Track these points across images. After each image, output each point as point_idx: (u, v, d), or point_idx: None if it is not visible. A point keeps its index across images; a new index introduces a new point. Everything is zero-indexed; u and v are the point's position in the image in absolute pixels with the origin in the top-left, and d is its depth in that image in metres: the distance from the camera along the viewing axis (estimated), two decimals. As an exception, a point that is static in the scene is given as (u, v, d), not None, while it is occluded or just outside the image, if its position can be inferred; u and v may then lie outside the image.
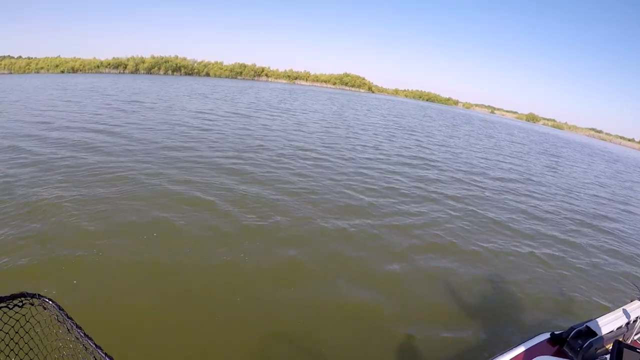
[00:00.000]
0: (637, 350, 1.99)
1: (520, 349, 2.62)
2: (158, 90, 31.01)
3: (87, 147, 11.74)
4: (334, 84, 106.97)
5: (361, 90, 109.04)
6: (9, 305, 1.53)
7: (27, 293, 1.59)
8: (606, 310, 3.10)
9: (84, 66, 64.02)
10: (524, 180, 16.34)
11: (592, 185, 19.13)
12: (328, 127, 21.84)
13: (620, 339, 2.74)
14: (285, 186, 9.83)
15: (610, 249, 9.19)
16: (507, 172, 17.79)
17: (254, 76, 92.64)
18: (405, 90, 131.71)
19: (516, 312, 5.57)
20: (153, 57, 72.42)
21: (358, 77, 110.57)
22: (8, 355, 1.66)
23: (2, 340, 1.60)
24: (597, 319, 2.82)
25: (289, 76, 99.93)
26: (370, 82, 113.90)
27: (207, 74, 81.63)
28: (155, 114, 19.49)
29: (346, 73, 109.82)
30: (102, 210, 6.88)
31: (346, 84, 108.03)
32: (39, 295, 1.62)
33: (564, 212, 12.00)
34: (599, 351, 2.59)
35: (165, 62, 73.14)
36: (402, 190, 11.22)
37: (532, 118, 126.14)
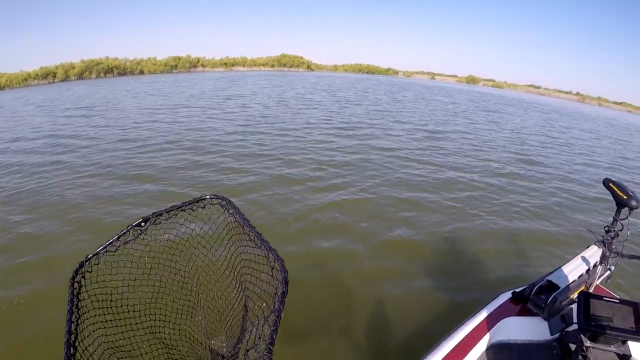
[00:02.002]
0: (604, 298, 2.02)
1: (484, 314, 2.58)
2: (102, 95, 29.67)
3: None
4: (272, 66, 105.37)
5: (300, 69, 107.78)
6: (193, 209, 1.91)
7: (204, 195, 1.94)
8: (564, 260, 3.04)
9: (10, 81, 60.35)
10: (463, 132, 17.50)
11: (529, 135, 20.53)
12: (270, 109, 22.10)
13: (583, 287, 2.82)
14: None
15: (557, 196, 9.64)
16: (440, 125, 19.10)
17: (190, 68, 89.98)
18: (344, 65, 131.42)
19: (473, 273, 5.56)
20: (83, 61, 69.01)
21: (296, 57, 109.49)
22: (199, 242, 2.07)
23: (194, 230, 1.98)
24: (557, 271, 2.81)
25: (225, 64, 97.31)
26: (309, 60, 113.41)
27: (142, 72, 78.14)
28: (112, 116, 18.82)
29: (283, 54, 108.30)
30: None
31: (284, 65, 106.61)
32: (216, 195, 1.94)
33: (502, 162, 12.94)
34: (563, 303, 2.62)
35: (97, 64, 70.13)
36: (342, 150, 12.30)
37: (472, 80, 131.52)
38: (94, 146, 12.22)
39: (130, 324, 1.75)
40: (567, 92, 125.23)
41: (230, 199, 1.95)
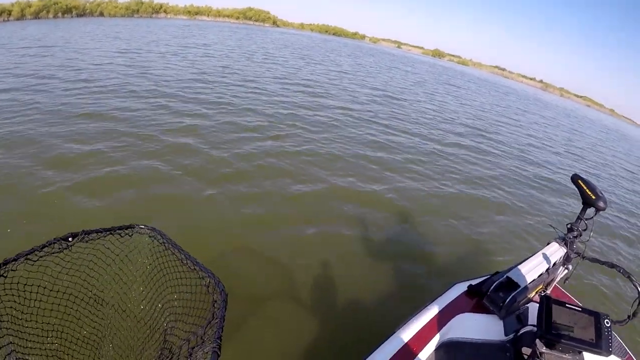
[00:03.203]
0: (566, 305, 2.01)
1: (437, 307, 2.54)
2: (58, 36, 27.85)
3: None
4: (237, 18, 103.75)
5: (266, 24, 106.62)
6: (122, 234, 1.93)
7: (135, 224, 1.96)
8: (522, 252, 3.01)
9: (-38, 19, 55.79)
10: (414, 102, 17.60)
11: (483, 112, 21.15)
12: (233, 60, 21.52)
13: (541, 287, 2.84)
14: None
15: (522, 184, 9.67)
16: (397, 92, 18.97)
17: (152, 13, 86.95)
18: (311, 25, 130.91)
19: (426, 261, 5.37)
20: (41, 0, 65.36)
21: (262, 11, 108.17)
22: (123, 274, 2.07)
23: (114, 262, 2.00)
24: (518, 268, 2.72)
25: (189, 12, 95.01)
26: (275, 16, 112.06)
27: (101, 14, 75.14)
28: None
29: (250, 7, 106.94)
30: None
31: (250, 19, 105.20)
32: (146, 225, 1.97)
33: (458, 135, 13.17)
34: (521, 303, 2.60)
35: (55, 3, 65.90)
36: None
37: (437, 54, 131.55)
38: (46, 84, 11.00)
39: (35, 341, 1.76)
40: (531, 78, 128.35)
41: (162, 231, 1.95)
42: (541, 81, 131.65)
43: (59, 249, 1.76)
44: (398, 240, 5.76)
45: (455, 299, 2.65)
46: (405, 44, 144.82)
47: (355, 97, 15.95)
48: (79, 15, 70.03)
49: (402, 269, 5.03)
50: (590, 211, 2.67)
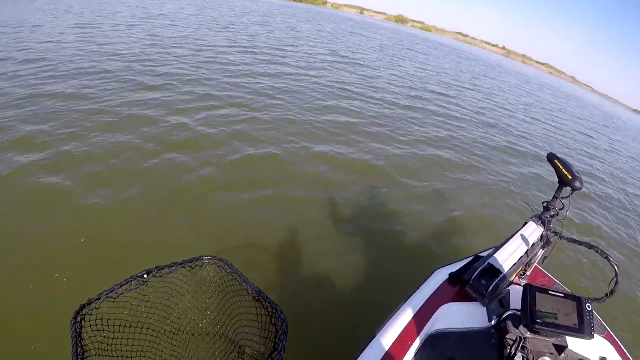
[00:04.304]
0: (549, 292, 2.06)
1: (422, 300, 2.52)
2: None
3: None
4: None
5: None
6: (192, 267, 2.07)
7: (202, 256, 2.08)
8: (499, 231, 3.15)
9: None
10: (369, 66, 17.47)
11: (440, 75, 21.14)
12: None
13: (521, 269, 2.88)
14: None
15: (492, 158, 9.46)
16: (355, 54, 18.71)
17: None
18: None
19: (402, 247, 5.12)
20: None
21: None
22: (194, 305, 2.22)
23: (188, 292, 2.16)
24: (498, 252, 2.72)
25: None
26: None
27: None
28: None
29: None
30: None
31: None
32: (213, 256, 2.10)
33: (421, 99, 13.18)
34: (504, 288, 2.61)
35: None
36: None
37: (401, 20, 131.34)
38: None
39: None
40: (493, 45, 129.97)
41: (228, 261, 2.09)
42: (504, 48, 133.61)
43: (137, 285, 1.89)
44: (372, 219, 5.55)
45: (437, 289, 2.63)
46: (368, 10, 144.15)
47: (313, 63, 15.74)
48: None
49: (378, 253, 4.83)
50: (567, 190, 2.71)
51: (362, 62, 18.55)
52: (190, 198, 5.01)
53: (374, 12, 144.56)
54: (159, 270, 1.97)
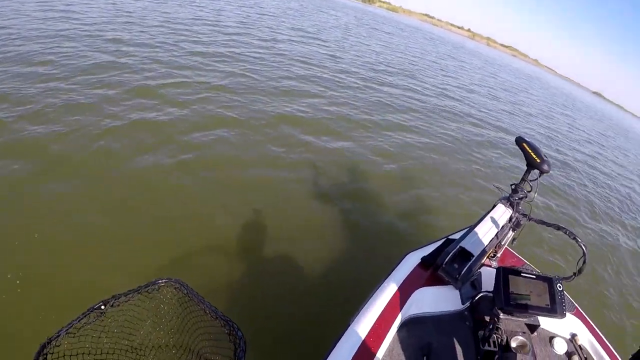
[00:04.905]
0: (522, 274, 2.13)
1: (395, 285, 2.49)
2: None
3: None
4: None
5: None
6: (149, 291, 2.02)
7: (157, 279, 2.03)
8: (466, 215, 3.10)
9: None
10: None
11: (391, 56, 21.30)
12: None
13: (492, 251, 2.92)
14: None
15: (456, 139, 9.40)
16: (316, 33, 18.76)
17: None
18: None
19: (372, 230, 5.02)
20: None
21: None
22: (155, 329, 2.15)
23: (147, 317, 2.11)
24: (469, 235, 2.77)
25: None
26: None
27: None
28: None
29: None
30: None
31: None
32: (169, 278, 2.06)
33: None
34: (475, 272, 2.67)
35: None
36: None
37: None
38: None
39: None
40: (459, 27, 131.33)
41: (183, 281, 2.04)
42: (469, 30, 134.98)
43: (95, 317, 1.85)
44: (339, 202, 5.39)
45: (410, 273, 2.62)
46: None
47: (277, 39, 15.59)
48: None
49: (347, 239, 4.72)
50: (535, 173, 2.73)
51: (327, 41, 18.43)
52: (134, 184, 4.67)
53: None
54: (115, 300, 1.93)
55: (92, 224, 3.88)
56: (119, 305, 1.93)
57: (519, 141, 2.76)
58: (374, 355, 2.07)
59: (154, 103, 6.75)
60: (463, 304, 2.46)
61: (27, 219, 3.75)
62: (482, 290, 2.43)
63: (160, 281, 2.05)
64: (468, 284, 2.56)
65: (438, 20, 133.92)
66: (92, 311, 1.85)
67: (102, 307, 1.86)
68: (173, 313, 2.13)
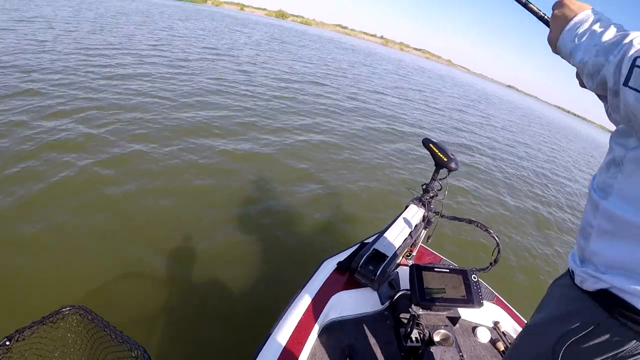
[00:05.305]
0: (435, 268, 2.20)
1: (312, 292, 2.47)
2: None
3: None
4: None
5: None
6: (53, 321, 1.98)
7: (61, 308, 2.01)
8: (382, 220, 3.04)
9: None
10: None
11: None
12: None
13: (407, 250, 2.95)
14: None
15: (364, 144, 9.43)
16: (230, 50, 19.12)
17: None
18: None
19: (288, 244, 4.93)
20: None
21: None
22: (63, 351, 2.09)
23: (56, 348, 2.06)
24: (382, 237, 2.76)
25: None
26: None
27: None
28: None
29: None
30: None
31: None
32: (73, 306, 2.03)
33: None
34: (391, 270, 2.67)
35: None
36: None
37: (281, 15, 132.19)
38: None
39: None
40: (372, 35, 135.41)
41: (88, 308, 2.03)
42: (382, 37, 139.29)
43: (1, 354, 1.79)
44: (252, 217, 5.27)
45: (327, 279, 2.62)
46: (248, 6, 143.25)
47: (186, 59, 15.53)
48: None
49: (266, 251, 4.64)
50: (444, 172, 2.81)
51: (238, 57, 18.62)
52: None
53: (255, 8, 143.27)
54: (19, 334, 1.88)
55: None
56: (24, 339, 1.89)
57: (426, 143, 2.84)
58: None
59: (64, 122, 6.82)
60: (382, 304, 2.54)
61: None
62: (401, 289, 2.56)
63: (64, 309, 2.03)
64: (386, 284, 2.62)
65: (351, 30, 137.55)
66: None
67: (7, 342, 1.82)
68: (81, 341, 2.11)
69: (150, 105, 8.72)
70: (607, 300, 1.01)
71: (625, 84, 0.85)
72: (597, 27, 0.97)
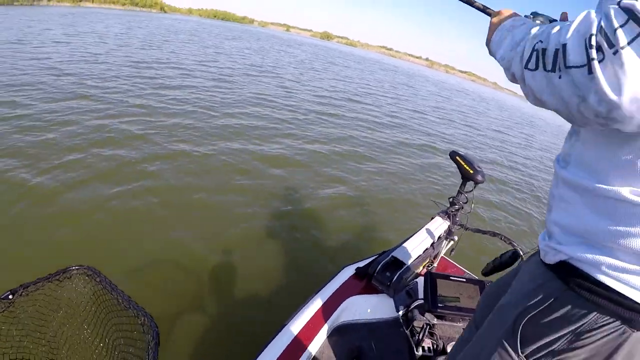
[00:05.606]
0: (450, 277, 2.20)
1: (327, 293, 2.52)
2: None
3: None
4: (124, 4, 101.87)
5: (153, 10, 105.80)
6: (60, 279, 1.95)
7: (70, 267, 1.97)
8: (409, 231, 2.99)
9: None
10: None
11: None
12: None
13: (428, 261, 2.95)
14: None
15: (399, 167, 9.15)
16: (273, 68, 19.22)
17: (33, 1, 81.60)
18: (199, 10, 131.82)
19: (310, 254, 4.95)
20: None
21: None
22: (68, 320, 2.06)
23: (59, 307, 2.02)
24: (402, 246, 2.81)
25: None
26: (162, 1, 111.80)
27: None
28: None
29: None
30: None
31: (137, 4, 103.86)
32: (81, 265, 2.01)
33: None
34: (409, 279, 2.68)
35: None
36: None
37: (326, 36, 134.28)
38: None
39: None
40: (417, 57, 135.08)
41: (97, 270, 1.99)
42: (427, 59, 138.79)
43: (3, 308, 1.78)
44: (282, 219, 5.44)
45: (344, 283, 2.66)
46: (294, 27, 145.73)
47: (230, 75, 16.03)
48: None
49: (291, 252, 4.76)
50: (470, 184, 2.81)
51: (281, 74, 18.98)
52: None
53: (300, 29, 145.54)
54: (24, 289, 1.85)
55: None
56: (28, 294, 1.86)
57: (453, 155, 2.84)
58: (303, 356, 2.10)
59: (109, 136, 6.98)
60: (397, 311, 2.49)
61: None
62: (419, 298, 2.48)
63: (71, 268, 1.98)
64: (403, 292, 2.59)
65: (396, 51, 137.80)
66: None
67: (10, 296, 1.79)
68: (86, 303, 2.05)
69: (193, 113, 9.17)
70: (565, 271, 1.02)
71: (525, 67, 0.94)
72: (517, 29, 1.07)
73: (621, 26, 0.71)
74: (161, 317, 3.10)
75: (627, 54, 0.69)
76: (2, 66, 11.48)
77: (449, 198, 3.04)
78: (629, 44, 0.70)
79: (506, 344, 1.11)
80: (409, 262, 2.67)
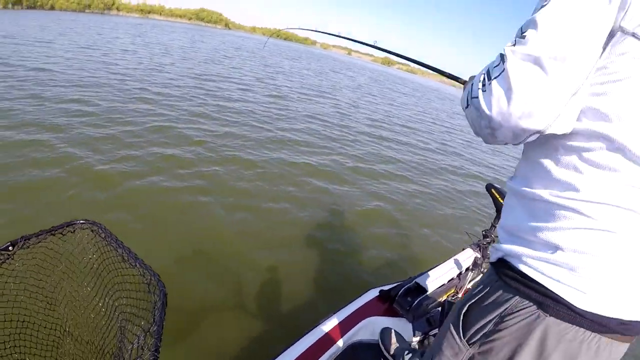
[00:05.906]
0: None
1: (349, 311, 2.56)
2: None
3: None
4: (190, 19, 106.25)
5: (218, 26, 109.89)
6: (63, 233, 1.90)
7: (74, 221, 1.92)
8: (438, 261, 3.07)
9: None
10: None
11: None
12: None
13: (452, 291, 2.96)
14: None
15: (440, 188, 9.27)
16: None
17: (104, 9, 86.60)
18: (262, 28, 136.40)
19: (342, 269, 5.02)
20: None
21: (215, 13, 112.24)
22: (68, 275, 2.02)
23: (60, 262, 1.96)
24: (427, 273, 2.85)
25: (142, 10, 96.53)
26: (227, 18, 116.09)
27: (52, 7, 73.76)
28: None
29: (202, 8, 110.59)
30: None
31: (202, 20, 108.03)
32: (87, 220, 1.95)
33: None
34: (430, 306, 2.69)
35: None
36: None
37: (387, 62, 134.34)
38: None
39: None
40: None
41: (102, 225, 1.94)
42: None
43: (1, 260, 1.74)
44: (321, 229, 5.64)
45: (366, 303, 2.68)
46: (356, 52, 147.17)
47: (288, 92, 16.59)
48: (30, 7, 68.60)
49: (324, 264, 4.90)
50: None
51: (337, 97, 19.32)
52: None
53: (361, 53, 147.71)
54: (25, 241, 1.80)
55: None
56: (28, 247, 1.82)
57: (489, 188, 2.90)
58: None
59: (168, 138, 7.53)
60: (414, 336, 2.53)
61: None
62: (438, 327, 2.49)
63: (77, 222, 1.93)
64: (423, 319, 2.63)
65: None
66: None
67: (10, 248, 1.75)
68: (88, 260, 1.99)
69: (249, 125, 9.68)
70: (500, 265, 1.16)
71: (467, 106, 1.14)
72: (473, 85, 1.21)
73: (495, 66, 0.99)
74: (184, 296, 3.54)
75: (494, 84, 0.96)
76: (74, 67, 12.63)
77: (483, 231, 3.12)
78: (495, 78, 0.98)
79: (453, 330, 1.27)
80: (431, 289, 2.71)
